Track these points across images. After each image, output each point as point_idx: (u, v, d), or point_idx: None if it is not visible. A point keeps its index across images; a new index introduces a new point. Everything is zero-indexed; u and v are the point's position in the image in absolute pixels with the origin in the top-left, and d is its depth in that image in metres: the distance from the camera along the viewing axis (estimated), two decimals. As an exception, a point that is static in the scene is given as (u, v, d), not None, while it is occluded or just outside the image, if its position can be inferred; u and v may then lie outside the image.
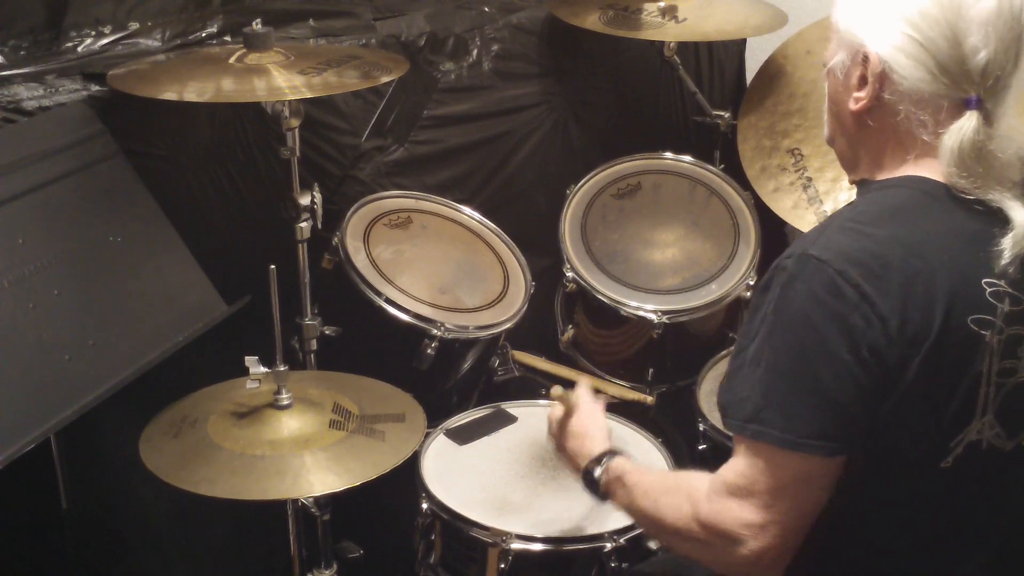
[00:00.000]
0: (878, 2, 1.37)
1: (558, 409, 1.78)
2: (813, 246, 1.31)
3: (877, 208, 1.37)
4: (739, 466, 1.34)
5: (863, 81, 1.39)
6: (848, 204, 1.44)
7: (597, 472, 1.60)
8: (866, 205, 1.40)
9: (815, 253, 1.30)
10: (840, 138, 1.49)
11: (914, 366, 1.28)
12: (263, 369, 1.81)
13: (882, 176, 1.41)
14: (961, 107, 1.33)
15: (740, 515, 1.32)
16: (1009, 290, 1.32)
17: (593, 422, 1.72)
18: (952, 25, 1.31)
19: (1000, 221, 1.32)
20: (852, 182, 1.50)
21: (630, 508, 1.54)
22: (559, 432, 1.75)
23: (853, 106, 1.41)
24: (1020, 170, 1.37)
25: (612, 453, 1.62)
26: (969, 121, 1.32)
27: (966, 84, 1.32)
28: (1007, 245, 1.30)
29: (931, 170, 1.36)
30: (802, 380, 1.29)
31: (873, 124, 1.40)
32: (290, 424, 1.85)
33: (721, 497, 1.34)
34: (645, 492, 1.50)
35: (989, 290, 1.31)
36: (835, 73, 1.44)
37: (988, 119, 1.33)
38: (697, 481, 1.41)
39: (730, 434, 1.37)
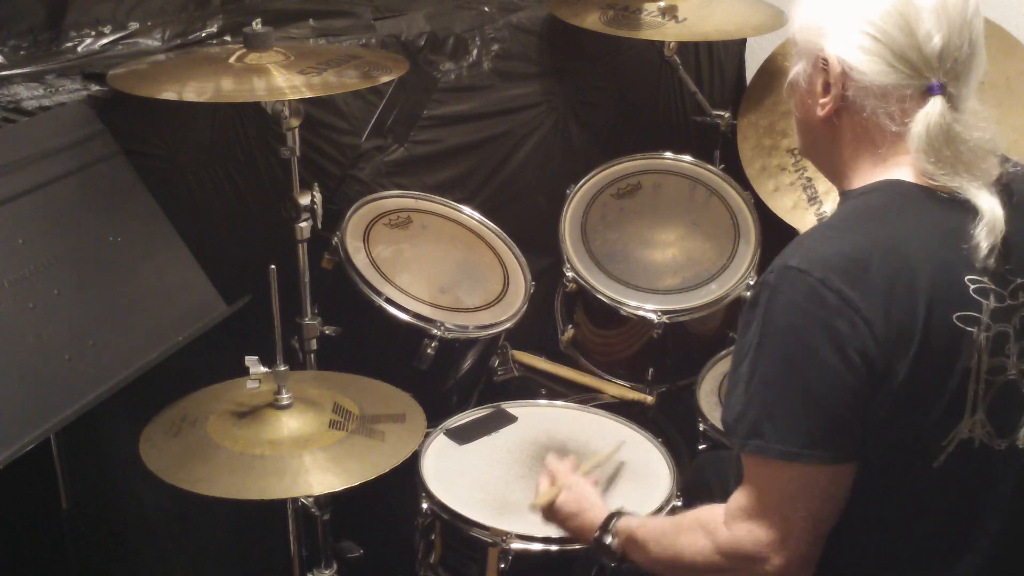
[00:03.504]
0: (831, 6, 1.39)
1: (544, 499, 1.74)
2: (793, 257, 1.32)
3: (854, 214, 1.38)
4: (748, 486, 1.35)
5: (827, 87, 1.40)
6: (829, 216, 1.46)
7: (608, 540, 1.60)
8: (844, 212, 1.42)
9: (795, 264, 1.31)
10: (814, 148, 1.50)
11: (902, 366, 1.28)
12: (263, 369, 1.81)
13: (859, 180, 1.42)
14: (925, 94, 1.35)
15: (758, 535, 1.33)
16: (992, 286, 1.33)
17: (581, 494, 1.70)
18: (903, 15, 1.33)
19: (972, 213, 1.33)
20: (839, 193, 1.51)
21: (648, 562, 1.54)
22: (556, 519, 1.73)
23: (820, 112, 1.42)
24: (994, 163, 1.38)
25: (614, 516, 1.61)
26: (934, 106, 1.34)
27: (926, 71, 1.34)
28: (982, 236, 1.31)
29: (903, 169, 1.38)
30: (794, 391, 1.30)
31: (842, 125, 1.41)
32: (290, 424, 1.85)
33: (737, 522, 1.36)
34: (658, 540, 1.50)
35: (973, 287, 1.32)
36: (799, 84, 1.46)
37: (952, 103, 1.35)
38: (709, 514, 1.42)
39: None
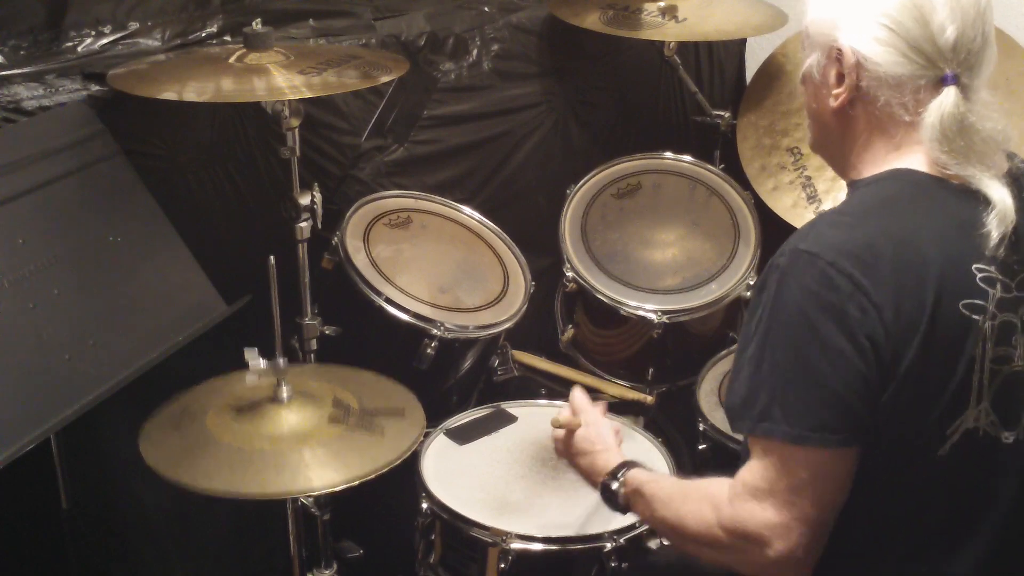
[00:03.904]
0: None
1: (563, 421, 1.76)
2: (804, 241, 1.33)
3: (865, 202, 1.39)
4: (755, 467, 1.34)
5: (840, 78, 1.41)
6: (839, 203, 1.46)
7: (615, 486, 1.60)
8: (854, 200, 1.42)
9: (806, 248, 1.31)
10: (825, 141, 1.51)
11: (909, 353, 1.29)
12: (261, 361, 1.81)
13: (870, 170, 1.42)
14: (938, 84, 1.36)
15: (763, 517, 1.32)
16: (999, 276, 1.33)
17: (599, 435, 1.71)
18: (918, 6, 1.35)
19: (984, 203, 1.34)
20: (847, 185, 1.50)
21: (651, 519, 1.54)
22: (567, 451, 1.74)
23: (833, 103, 1.43)
24: (1003, 157, 1.39)
25: (627, 465, 1.62)
26: (948, 96, 1.35)
27: (940, 61, 1.35)
28: (992, 226, 1.32)
29: (915, 158, 1.38)
30: (804, 374, 1.30)
31: (856, 116, 1.42)
32: (289, 419, 1.85)
33: (742, 501, 1.35)
34: (665, 502, 1.50)
35: (980, 275, 1.33)
36: (811, 76, 1.46)
37: (965, 93, 1.36)
38: (717, 487, 1.41)
39: (733, 435, 1.38)
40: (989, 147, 1.36)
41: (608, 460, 1.65)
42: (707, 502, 1.40)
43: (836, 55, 1.40)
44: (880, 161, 1.41)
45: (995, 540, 1.39)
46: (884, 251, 1.29)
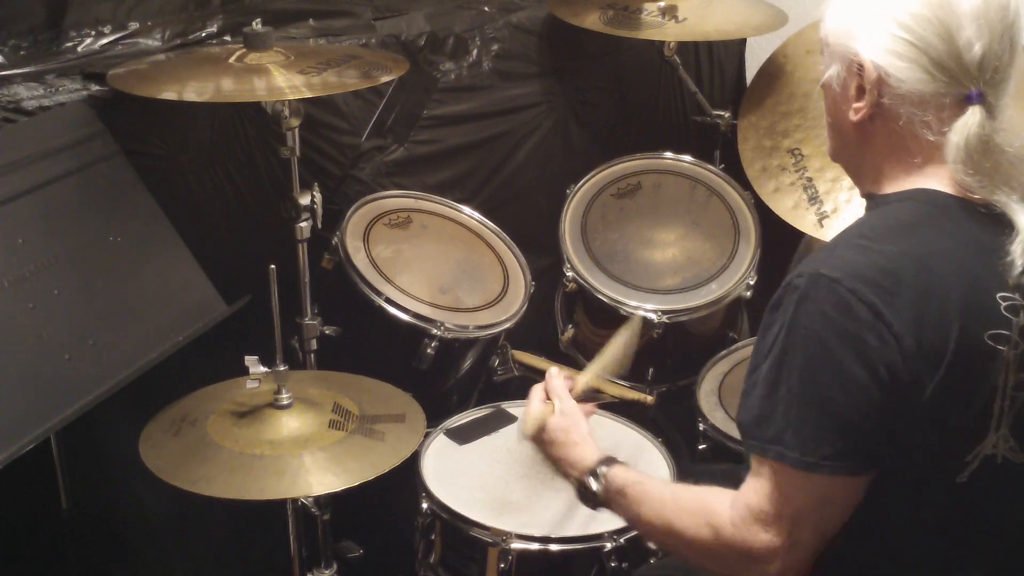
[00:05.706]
0: (866, 9, 1.35)
1: (535, 418, 1.63)
2: (824, 265, 1.29)
3: (887, 224, 1.35)
4: (762, 488, 1.31)
5: (861, 91, 1.37)
6: (857, 221, 1.41)
7: (595, 485, 1.52)
8: (876, 221, 1.38)
9: (826, 272, 1.27)
10: (844, 152, 1.47)
11: (930, 384, 1.26)
12: (263, 369, 1.81)
13: (889, 187, 1.39)
14: (963, 103, 1.31)
15: (766, 539, 1.30)
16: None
17: (574, 425, 1.60)
18: (943, 22, 1.30)
19: (1008, 229, 1.30)
20: (862, 195, 1.47)
21: (632, 519, 1.49)
22: (539, 440, 1.64)
23: (853, 117, 1.38)
24: None
25: (607, 462, 1.53)
26: (973, 116, 1.30)
27: (965, 79, 1.31)
28: (1017, 253, 1.28)
29: (938, 179, 1.35)
30: (819, 401, 1.27)
31: (876, 131, 1.38)
32: (290, 424, 1.85)
33: (747, 523, 1.32)
34: (654, 508, 1.45)
35: (1004, 304, 1.29)
36: (831, 87, 1.42)
37: (991, 112, 1.32)
38: (716, 502, 1.37)
39: (738, 439, 1.36)
40: (1016, 168, 1.32)
41: (582, 454, 1.55)
42: (705, 517, 1.37)
43: (857, 69, 1.36)
44: (901, 179, 1.37)
45: (1009, 565, 1.37)
46: (905, 277, 1.26)
